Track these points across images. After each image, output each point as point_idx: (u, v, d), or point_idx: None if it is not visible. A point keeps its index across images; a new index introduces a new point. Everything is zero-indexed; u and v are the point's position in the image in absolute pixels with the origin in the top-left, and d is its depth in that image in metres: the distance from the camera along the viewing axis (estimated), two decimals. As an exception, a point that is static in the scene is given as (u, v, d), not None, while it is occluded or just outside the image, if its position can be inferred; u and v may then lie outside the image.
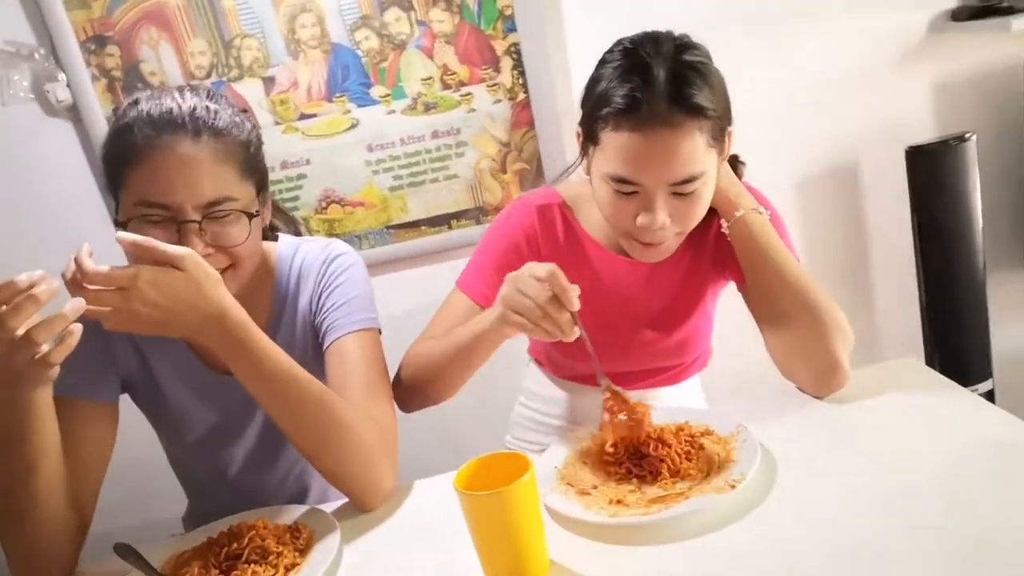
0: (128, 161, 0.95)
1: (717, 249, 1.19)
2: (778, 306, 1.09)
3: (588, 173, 1.11)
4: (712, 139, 1.01)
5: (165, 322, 0.88)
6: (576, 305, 0.94)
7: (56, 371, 0.85)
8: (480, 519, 0.79)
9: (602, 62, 1.05)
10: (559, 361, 1.33)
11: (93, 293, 0.83)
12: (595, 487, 0.97)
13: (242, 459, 1.18)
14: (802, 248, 1.86)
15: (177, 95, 0.98)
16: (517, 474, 0.79)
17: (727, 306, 1.29)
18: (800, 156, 1.88)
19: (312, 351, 1.15)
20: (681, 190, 1.02)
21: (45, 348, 0.80)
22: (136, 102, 0.98)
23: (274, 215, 1.22)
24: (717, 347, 1.38)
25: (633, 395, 1.30)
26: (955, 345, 1.84)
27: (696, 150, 0.99)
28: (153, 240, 0.87)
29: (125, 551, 0.99)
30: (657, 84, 0.97)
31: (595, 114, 1.03)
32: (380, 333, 1.13)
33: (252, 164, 1.03)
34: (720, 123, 1.02)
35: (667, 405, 1.27)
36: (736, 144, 1.11)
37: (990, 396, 1.82)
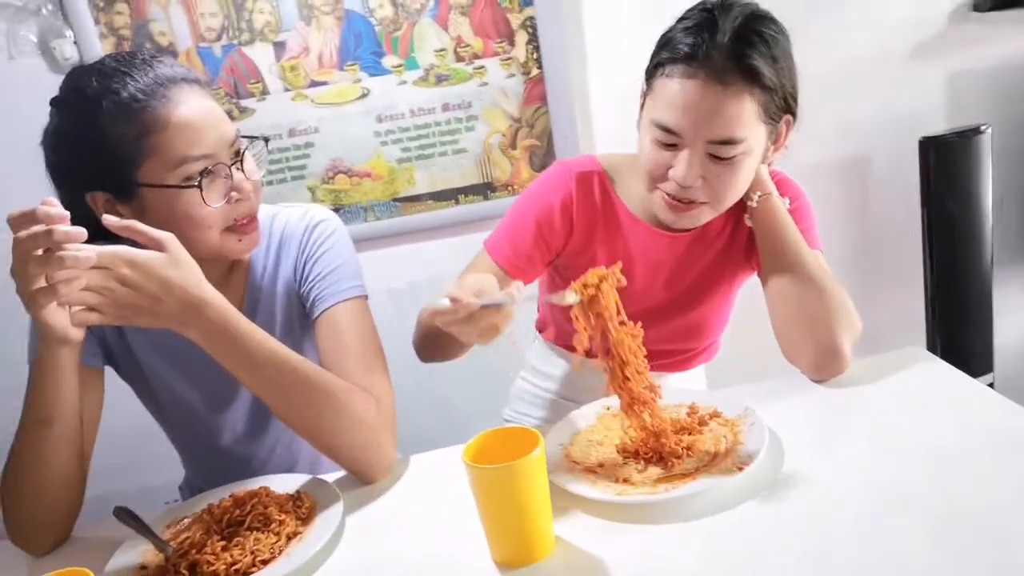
0: (151, 129, 0.92)
1: (752, 238, 1.19)
2: (790, 285, 1.09)
3: (639, 128, 1.11)
4: (764, 113, 1.01)
5: (142, 309, 0.85)
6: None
7: (78, 334, 0.86)
8: (489, 493, 0.78)
9: (678, 20, 1.06)
10: (571, 335, 1.33)
11: (69, 275, 0.79)
12: (601, 465, 0.96)
13: (230, 432, 1.17)
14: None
15: (152, 63, 0.96)
16: (526, 449, 0.78)
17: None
18: (811, 143, 1.85)
19: (298, 321, 1.14)
20: (718, 152, 1.01)
21: (41, 283, 0.79)
22: (112, 86, 0.92)
23: None
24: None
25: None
26: (958, 337, 1.84)
27: (743, 114, 1.00)
28: (137, 223, 0.85)
29: (124, 515, 0.98)
30: (718, 38, 0.98)
31: (656, 61, 1.04)
32: (367, 299, 1.12)
33: None
34: (776, 100, 1.02)
35: (673, 386, 1.27)
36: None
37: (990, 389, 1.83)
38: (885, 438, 0.93)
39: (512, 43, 1.71)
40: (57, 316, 0.83)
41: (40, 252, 0.78)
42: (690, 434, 0.99)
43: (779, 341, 1.12)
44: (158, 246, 0.86)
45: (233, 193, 0.98)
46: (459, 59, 1.71)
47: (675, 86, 1.00)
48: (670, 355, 1.31)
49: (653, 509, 0.86)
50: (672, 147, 1.04)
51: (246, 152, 1.01)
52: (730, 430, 0.98)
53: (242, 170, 0.99)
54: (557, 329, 1.36)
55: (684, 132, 1.01)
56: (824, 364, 1.07)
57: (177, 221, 0.95)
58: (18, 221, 0.78)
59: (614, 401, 1.09)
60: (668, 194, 1.07)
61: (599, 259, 1.21)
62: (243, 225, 1.01)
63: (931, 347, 1.88)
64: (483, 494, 0.79)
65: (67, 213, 0.79)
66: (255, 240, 1.04)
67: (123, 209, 0.96)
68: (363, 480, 1.03)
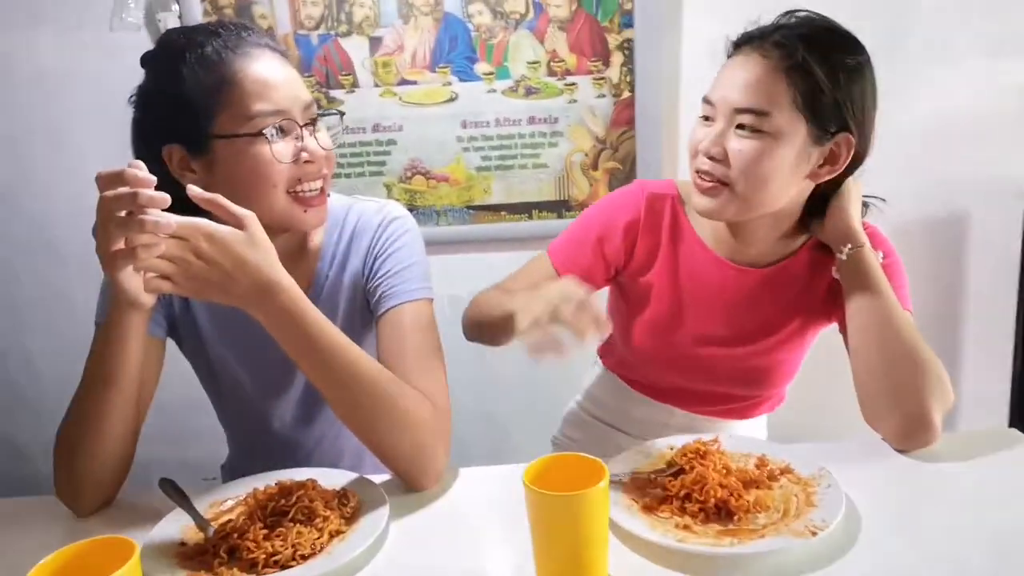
0: (228, 82, 0.94)
1: (832, 290, 1.13)
2: (879, 348, 1.03)
3: None
4: (804, 104, 0.99)
5: (214, 284, 0.84)
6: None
7: (149, 300, 0.85)
8: (548, 520, 0.74)
9: None
10: (632, 365, 1.29)
11: (149, 240, 0.79)
12: (660, 505, 0.91)
13: (279, 419, 1.16)
14: (892, 295, 1.78)
15: (240, 29, 0.99)
16: (590, 479, 0.74)
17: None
18: (904, 200, 1.77)
19: (360, 316, 1.12)
20: (743, 121, 1.01)
21: (120, 245, 0.79)
22: (198, 39, 0.95)
23: None
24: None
25: (700, 420, 1.26)
26: (1042, 422, 1.73)
27: (772, 89, 0.99)
28: (220, 197, 0.84)
29: (169, 488, 0.97)
30: (772, 23, 1.04)
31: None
32: (432, 302, 1.10)
33: None
34: (824, 101, 0.99)
35: (741, 435, 1.21)
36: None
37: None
38: (971, 520, 0.87)
39: (607, 63, 1.68)
40: (131, 280, 0.83)
41: (123, 214, 0.77)
42: (758, 488, 0.94)
43: (862, 404, 1.06)
44: (238, 223, 0.85)
45: (303, 154, 0.97)
46: (551, 73, 1.69)
47: (725, 65, 1.06)
48: (732, 400, 1.26)
49: (715, 562, 0.81)
50: (709, 121, 1.05)
51: (320, 122, 1.01)
52: (802, 489, 0.92)
53: (315, 137, 1.00)
54: (618, 359, 1.32)
55: (716, 99, 1.03)
56: (911, 434, 1.01)
57: (244, 176, 0.95)
58: (105, 181, 0.78)
59: (678, 440, 1.05)
60: (696, 171, 1.06)
61: (658, 283, 1.19)
62: (310, 198, 1.00)
63: (1012, 423, 1.77)
64: (541, 521, 0.75)
65: (153, 178, 0.79)
66: (321, 215, 1.03)
67: (196, 164, 0.96)
68: (411, 486, 1.00)
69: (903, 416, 1.01)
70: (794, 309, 1.16)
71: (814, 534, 0.82)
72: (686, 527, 0.86)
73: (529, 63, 1.69)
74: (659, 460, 1.01)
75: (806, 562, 0.80)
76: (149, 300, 0.85)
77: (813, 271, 1.15)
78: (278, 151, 0.95)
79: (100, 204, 0.78)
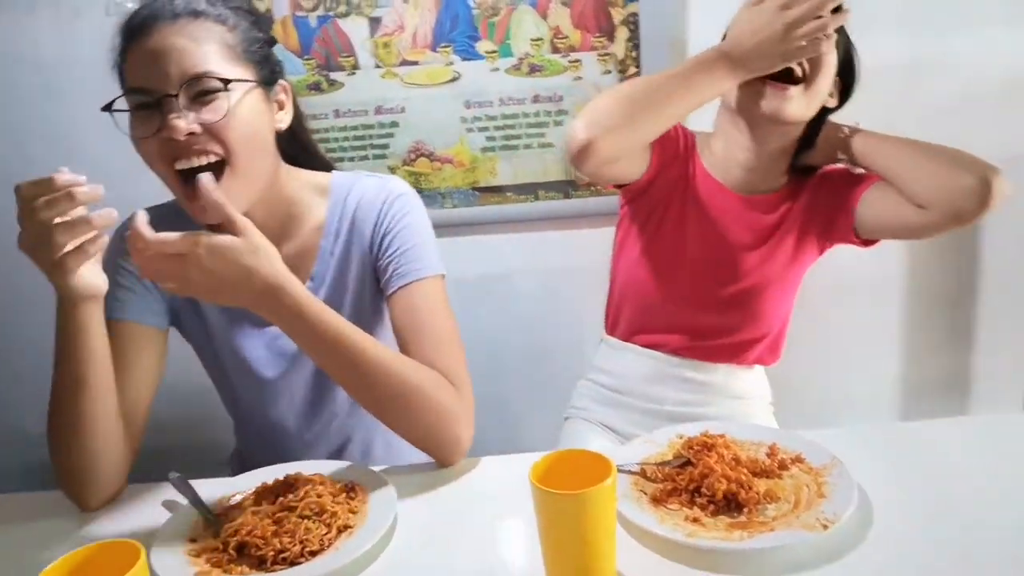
0: (121, 58, 0.95)
1: (814, 218, 1.27)
2: (916, 146, 1.20)
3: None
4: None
5: (219, 290, 0.85)
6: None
7: (98, 286, 0.87)
8: (554, 519, 0.74)
9: None
10: (640, 321, 1.38)
11: (153, 257, 0.81)
12: (669, 497, 0.90)
13: (287, 406, 1.16)
14: (904, 268, 1.75)
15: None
16: (597, 476, 0.73)
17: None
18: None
19: (370, 294, 1.12)
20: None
21: (68, 249, 0.79)
22: (127, 23, 0.96)
23: (310, 154, 1.16)
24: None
25: (696, 365, 1.34)
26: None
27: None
28: (225, 203, 0.85)
29: (181, 484, 0.97)
30: None
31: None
32: (444, 279, 1.09)
33: (242, 49, 0.97)
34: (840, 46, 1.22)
35: (752, 423, 1.21)
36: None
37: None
38: (987, 510, 0.85)
39: (612, 39, 1.64)
40: (87, 274, 0.84)
41: (65, 219, 0.78)
42: (768, 477, 0.93)
43: (919, 192, 1.16)
44: (234, 229, 0.85)
45: (163, 131, 0.91)
46: (555, 50, 1.66)
47: None
48: (719, 334, 1.33)
49: (723, 556, 0.80)
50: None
51: (207, 96, 0.93)
52: (813, 480, 0.91)
53: (186, 112, 0.92)
54: (629, 325, 1.39)
55: None
56: (982, 192, 1.12)
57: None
58: (31, 191, 0.78)
59: (688, 429, 1.04)
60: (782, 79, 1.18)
61: (670, 197, 1.31)
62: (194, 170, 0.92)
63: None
64: (548, 519, 0.74)
65: (83, 178, 0.79)
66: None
67: None
68: (439, 463, 1.02)
69: (975, 177, 1.13)
70: (779, 237, 1.28)
71: (825, 527, 0.81)
72: (695, 520, 0.85)
73: (532, 40, 1.65)
74: (668, 450, 1.00)
75: (817, 555, 0.79)
76: (104, 285, 0.87)
77: (798, 199, 1.29)
78: (136, 126, 0.93)
79: (30, 215, 0.78)
